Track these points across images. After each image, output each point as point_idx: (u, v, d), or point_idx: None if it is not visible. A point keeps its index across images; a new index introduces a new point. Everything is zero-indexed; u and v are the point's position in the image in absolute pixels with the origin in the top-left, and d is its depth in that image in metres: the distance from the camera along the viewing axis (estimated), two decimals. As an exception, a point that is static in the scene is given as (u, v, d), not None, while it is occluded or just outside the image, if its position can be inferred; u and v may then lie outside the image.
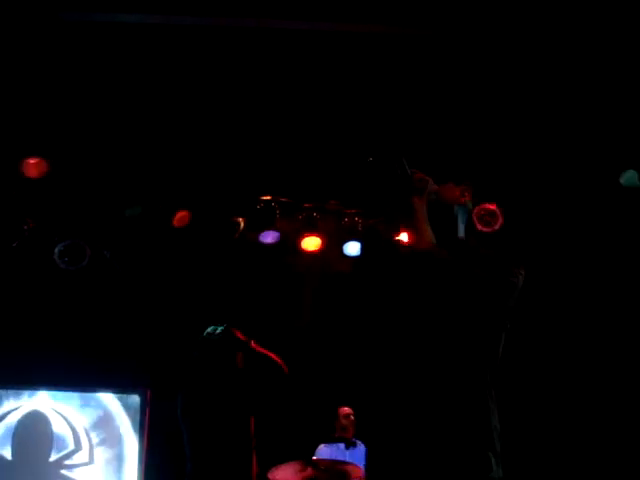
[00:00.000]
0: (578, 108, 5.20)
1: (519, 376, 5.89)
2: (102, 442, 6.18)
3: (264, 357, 4.27)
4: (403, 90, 5.20)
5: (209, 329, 4.34)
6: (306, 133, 5.45)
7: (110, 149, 5.53)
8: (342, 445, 5.64)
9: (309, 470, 4.78)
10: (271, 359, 4.26)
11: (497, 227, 5.79)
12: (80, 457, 6.12)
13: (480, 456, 2.41)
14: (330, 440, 5.72)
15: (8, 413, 6.07)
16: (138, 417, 6.19)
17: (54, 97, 5.16)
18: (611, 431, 5.89)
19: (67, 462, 6.08)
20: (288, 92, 5.11)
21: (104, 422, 6.21)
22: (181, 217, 5.82)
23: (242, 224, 6.03)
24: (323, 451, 5.62)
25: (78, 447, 6.12)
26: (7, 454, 5.98)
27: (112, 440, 6.19)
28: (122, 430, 6.19)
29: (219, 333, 4.25)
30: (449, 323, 2.51)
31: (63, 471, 6.06)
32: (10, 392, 6.11)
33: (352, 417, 5.77)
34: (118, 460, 6.15)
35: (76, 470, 6.08)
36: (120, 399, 6.24)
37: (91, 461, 6.12)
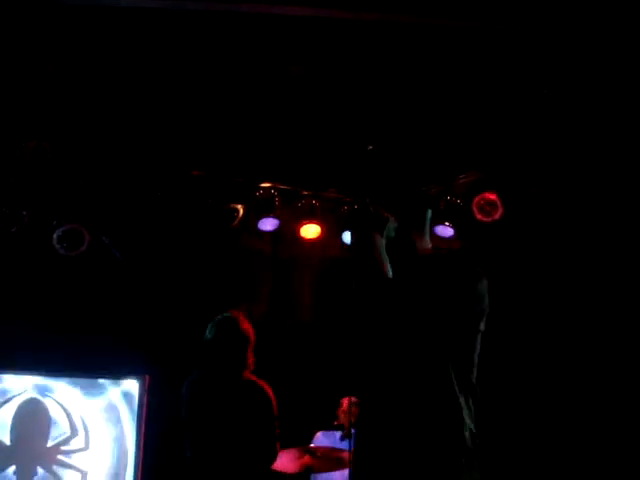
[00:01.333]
0: (581, 103, 5.20)
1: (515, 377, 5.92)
2: (99, 428, 6.19)
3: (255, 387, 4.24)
4: (404, 79, 5.19)
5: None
6: (307, 120, 5.44)
7: (110, 134, 5.51)
8: (339, 434, 5.66)
9: (306, 457, 4.80)
10: (262, 390, 4.23)
11: (497, 217, 5.80)
12: (76, 443, 6.13)
13: (446, 459, 2.47)
14: (328, 428, 5.73)
15: (8, 400, 6.08)
16: (136, 403, 6.19)
17: (53, 81, 5.13)
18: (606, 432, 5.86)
19: (64, 448, 6.10)
20: (289, 78, 5.10)
21: (101, 408, 6.22)
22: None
23: (241, 211, 6.02)
24: (320, 439, 5.64)
25: (74, 433, 6.14)
26: (6, 440, 6.00)
27: (109, 426, 6.20)
28: (119, 416, 6.20)
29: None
30: (416, 330, 2.55)
31: (60, 456, 6.08)
32: (9, 378, 6.12)
33: (353, 407, 5.77)
34: (115, 446, 6.17)
35: (72, 455, 6.10)
36: (118, 385, 6.25)
37: (87, 447, 6.13)
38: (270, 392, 4.23)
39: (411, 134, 5.56)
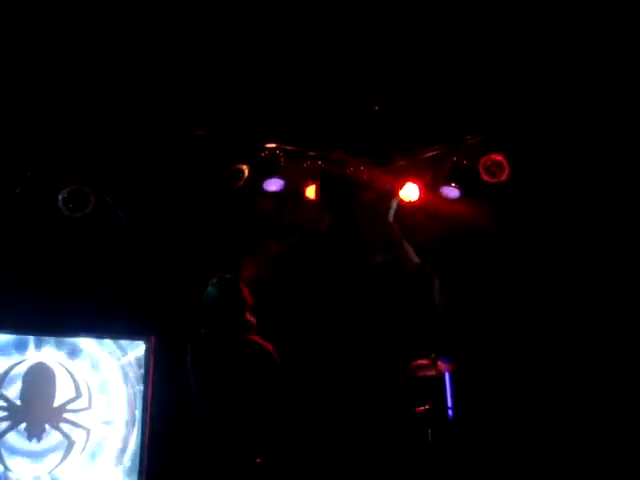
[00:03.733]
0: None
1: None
2: (103, 389, 6.25)
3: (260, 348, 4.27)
4: (411, 39, 5.13)
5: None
6: (313, 80, 5.39)
7: (114, 94, 5.46)
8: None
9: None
10: (267, 351, 4.25)
11: (503, 178, 5.77)
12: (81, 403, 6.21)
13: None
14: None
15: (17, 364, 6.16)
16: (143, 364, 6.23)
17: (56, 39, 5.07)
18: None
19: (69, 407, 6.18)
20: (295, 38, 5.04)
21: (107, 369, 6.27)
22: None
23: (246, 171, 6.00)
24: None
25: (79, 394, 6.22)
26: (17, 400, 6.10)
27: (116, 387, 6.25)
28: (126, 377, 6.25)
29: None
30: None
31: (66, 415, 6.16)
32: (17, 342, 6.16)
33: None
34: (122, 407, 6.23)
35: (78, 414, 6.18)
36: (124, 346, 6.28)
37: (90, 406, 6.21)
38: (275, 353, 4.26)
39: (418, 94, 5.52)
